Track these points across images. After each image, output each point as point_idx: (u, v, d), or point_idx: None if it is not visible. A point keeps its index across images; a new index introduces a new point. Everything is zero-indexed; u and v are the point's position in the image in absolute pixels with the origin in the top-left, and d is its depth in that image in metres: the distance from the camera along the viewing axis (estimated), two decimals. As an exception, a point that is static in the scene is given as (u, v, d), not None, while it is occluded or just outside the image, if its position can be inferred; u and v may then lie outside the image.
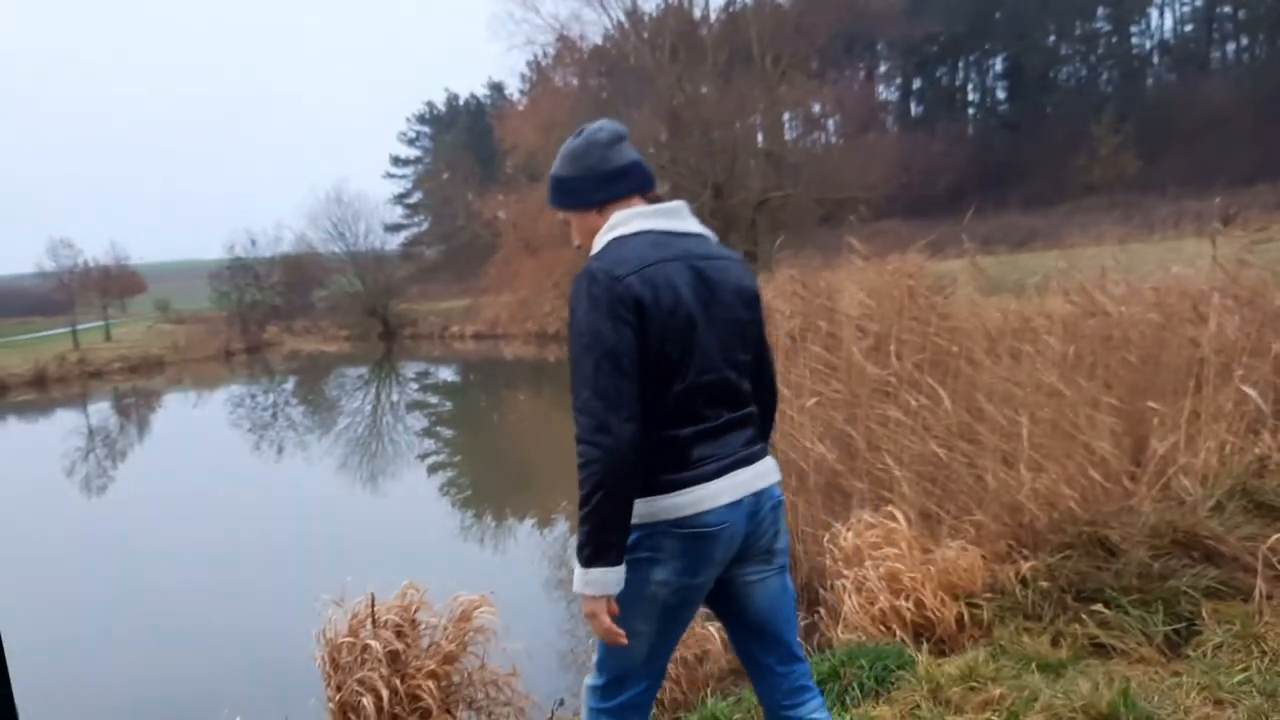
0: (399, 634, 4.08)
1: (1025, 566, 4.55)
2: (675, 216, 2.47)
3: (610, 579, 2.26)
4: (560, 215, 2.59)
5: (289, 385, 32.53)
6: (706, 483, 2.32)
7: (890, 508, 4.87)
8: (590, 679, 2.52)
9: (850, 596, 4.45)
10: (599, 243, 2.44)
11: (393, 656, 3.99)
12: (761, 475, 2.46)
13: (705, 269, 2.40)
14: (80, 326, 43.70)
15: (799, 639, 2.60)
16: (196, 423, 24.22)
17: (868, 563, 4.54)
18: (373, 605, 3.89)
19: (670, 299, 2.29)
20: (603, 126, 2.52)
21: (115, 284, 52.27)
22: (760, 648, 2.55)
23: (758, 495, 2.43)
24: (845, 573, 4.60)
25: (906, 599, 4.37)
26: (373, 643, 3.94)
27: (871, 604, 4.40)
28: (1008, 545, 5.03)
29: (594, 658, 2.54)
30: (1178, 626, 4.08)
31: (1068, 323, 6.04)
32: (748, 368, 2.50)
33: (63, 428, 23.53)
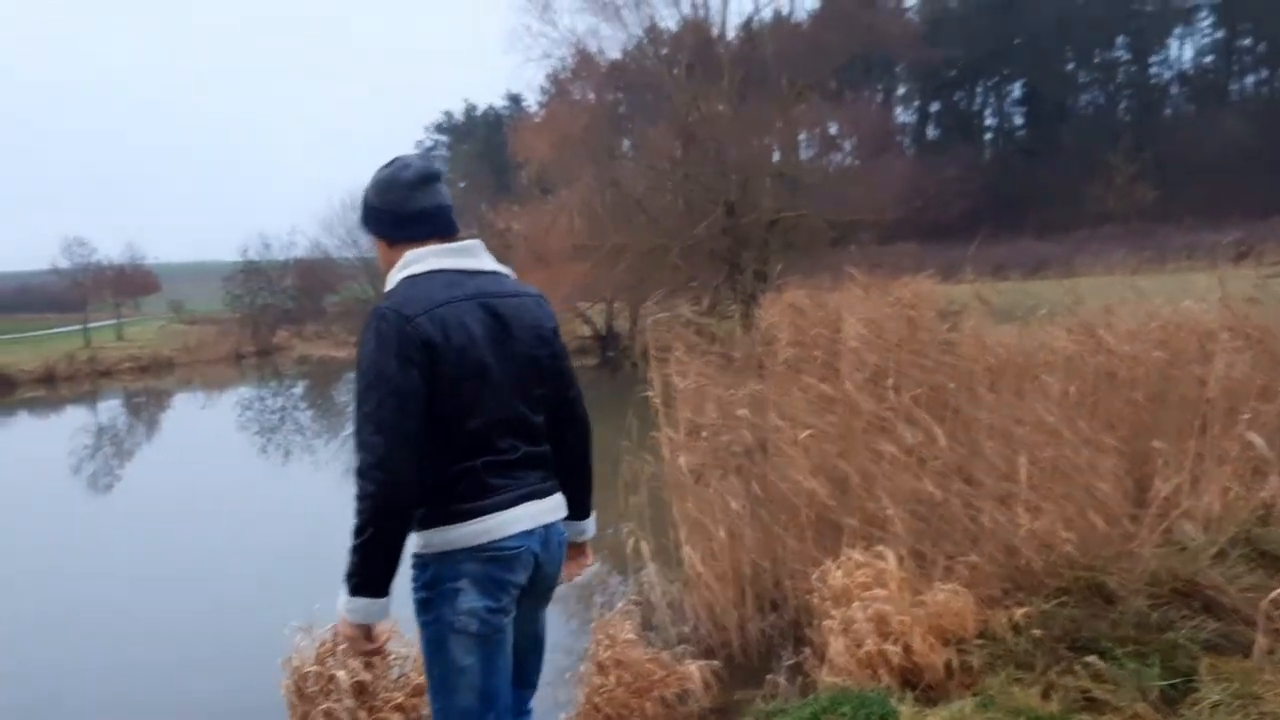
0: (367, 664, 3.98)
1: (1019, 613, 4.41)
2: (469, 255, 2.55)
3: (373, 610, 2.37)
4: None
5: (298, 389, 32.51)
6: (502, 511, 2.43)
7: (881, 547, 4.74)
8: None
9: (837, 638, 4.31)
10: (392, 279, 2.52)
11: (359, 688, 3.88)
12: (552, 510, 2.59)
13: (498, 307, 2.49)
14: (92, 325, 43.81)
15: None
16: (203, 424, 24.19)
17: (856, 603, 4.40)
18: (336, 641, 3.78)
19: (461, 338, 2.38)
20: (410, 165, 2.59)
21: (129, 283, 52.42)
22: (512, 677, 2.63)
23: (548, 528, 2.55)
24: (833, 613, 4.46)
25: (895, 643, 4.23)
26: (339, 673, 3.83)
27: (858, 646, 4.26)
28: (1002, 589, 4.89)
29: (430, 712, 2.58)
30: (1174, 681, 3.94)
31: (1072, 360, 5.90)
32: (543, 402, 2.61)
33: (65, 426, 23.52)
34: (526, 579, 2.50)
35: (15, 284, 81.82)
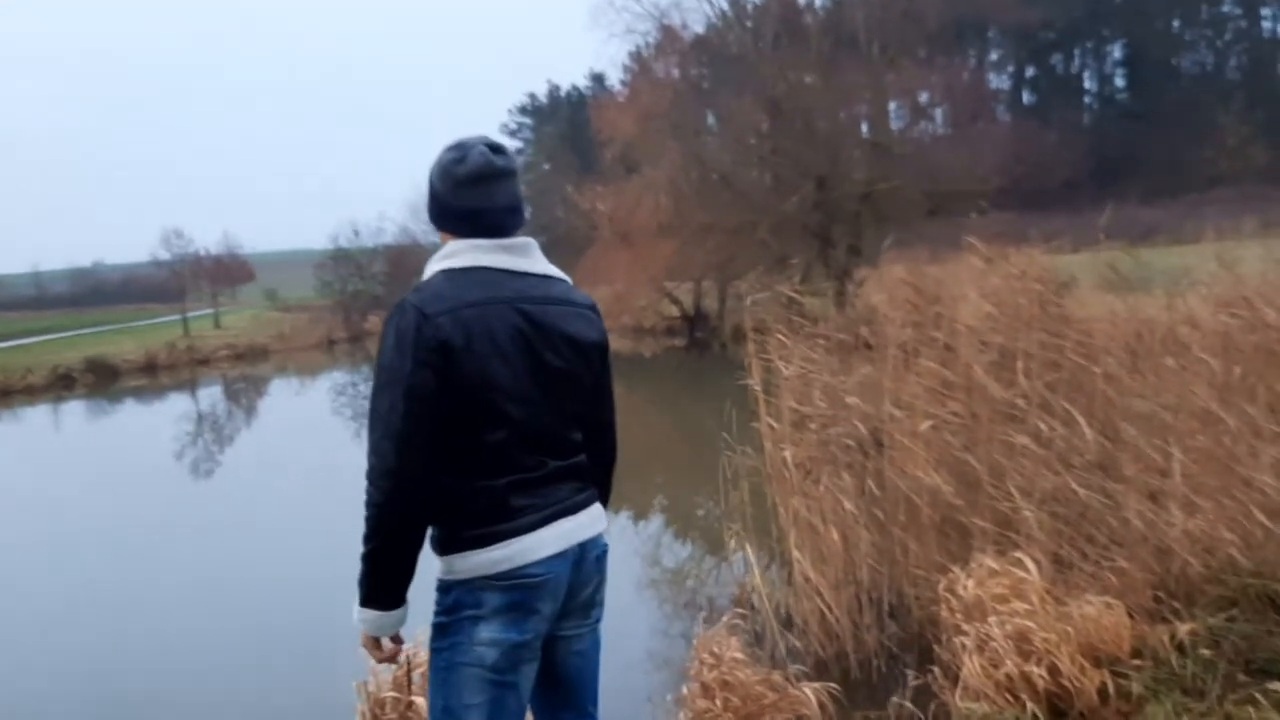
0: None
1: (1183, 629, 3.86)
2: (516, 254, 2.33)
3: (384, 623, 2.26)
4: None
5: (389, 374, 32.72)
6: (527, 534, 2.23)
7: (1018, 553, 4.21)
8: None
9: (971, 657, 3.82)
10: (429, 269, 2.33)
11: (440, 718, 3.52)
12: (587, 525, 2.38)
13: (535, 314, 2.28)
14: (191, 314, 44.99)
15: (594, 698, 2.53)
16: (297, 410, 24.52)
17: (992, 618, 3.90)
18: (409, 664, 3.41)
19: (485, 344, 2.18)
20: (466, 159, 2.32)
21: (226, 273, 53.79)
22: (560, 702, 2.47)
23: (583, 545, 2.35)
24: (965, 628, 3.96)
25: (1038, 663, 3.73)
26: (419, 699, 3.48)
27: (996, 667, 3.76)
28: (1154, 597, 4.34)
29: None
30: (1376, 714, 3.37)
31: (1223, 336, 5.23)
32: (578, 419, 2.41)
33: (168, 413, 23.94)
34: (558, 607, 2.31)
35: (119, 275, 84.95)
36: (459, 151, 2.33)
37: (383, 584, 2.21)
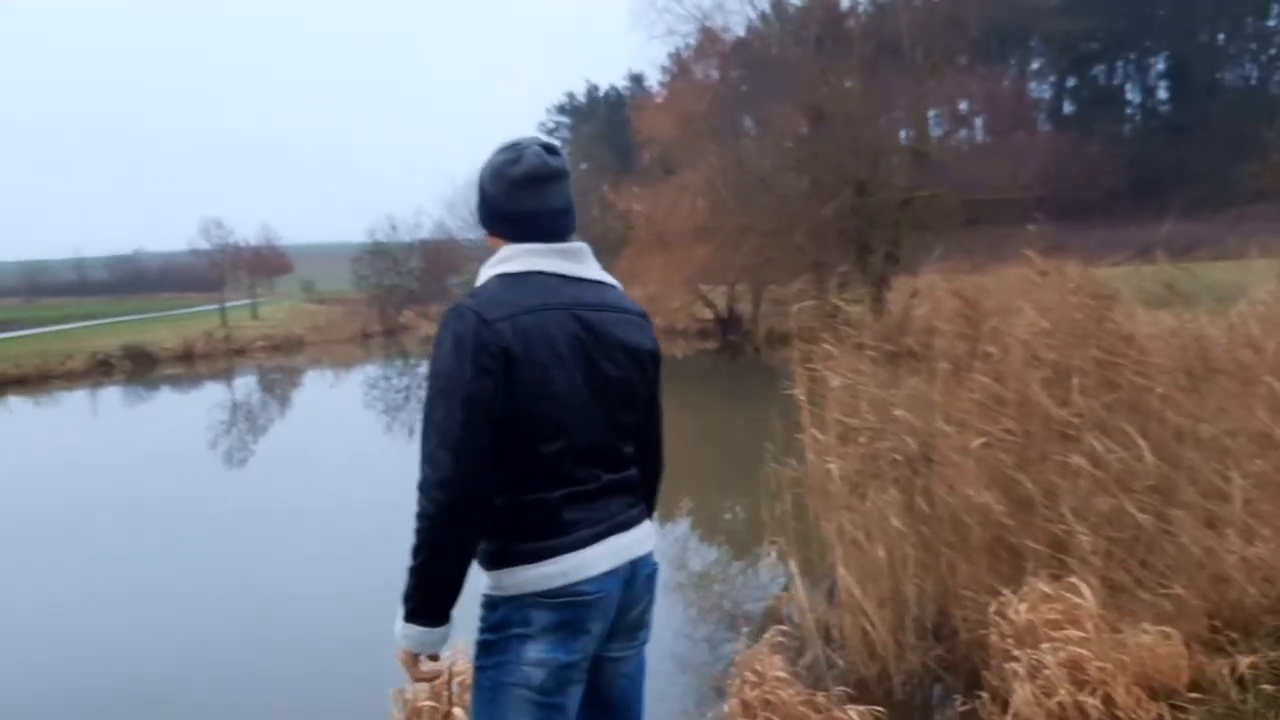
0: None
1: (1244, 662, 3.74)
2: (571, 259, 2.27)
3: (428, 640, 2.16)
4: None
5: (422, 368, 32.83)
6: (580, 550, 2.16)
7: (1073, 578, 4.10)
8: None
9: (1023, 684, 3.72)
10: (482, 274, 2.27)
11: (479, 728, 3.45)
12: (639, 542, 2.32)
13: (593, 321, 2.21)
14: (229, 305, 45.41)
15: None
16: (331, 402, 24.72)
17: (1045, 644, 3.79)
18: (450, 673, 3.33)
19: (545, 352, 2.11)
20: (521, 159, 2.24)
21: (264, 264, 54.39)
22: None
23: (634, 563, 2.29)
24: (1016, 653, 3.86)
25: (1093, 693, 3.62)
26: (457, 710, 3.41)
27: (1049, 696, 3.66)
28: (1210, 626, 4.21)
29: None
30: None
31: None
32: (632, 430, 2.33)
33: (204, 401, 24.12)
34: (608, 626, 2.23)
35: (159, 263, 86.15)
36: (513, 152, 2.26)
37: (431, 599, 2.12)
